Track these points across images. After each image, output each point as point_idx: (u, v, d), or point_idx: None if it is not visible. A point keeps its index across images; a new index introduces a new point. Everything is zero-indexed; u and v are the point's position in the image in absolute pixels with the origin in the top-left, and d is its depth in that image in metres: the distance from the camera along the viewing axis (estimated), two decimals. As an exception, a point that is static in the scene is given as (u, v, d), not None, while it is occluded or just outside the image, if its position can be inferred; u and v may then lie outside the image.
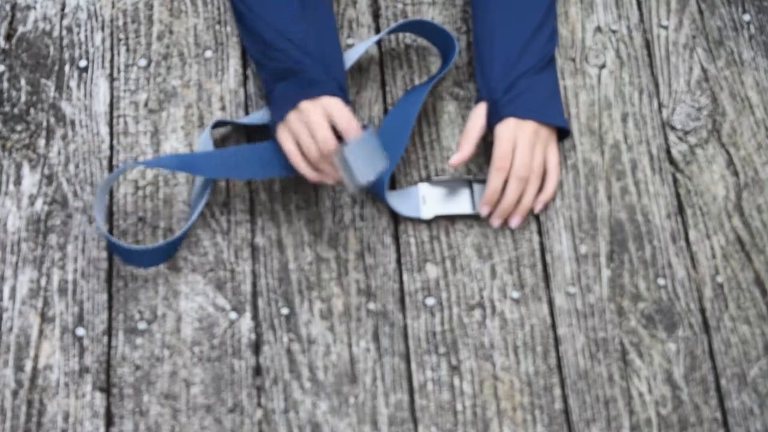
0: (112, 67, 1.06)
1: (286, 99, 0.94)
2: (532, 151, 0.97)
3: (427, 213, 0.99)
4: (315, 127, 0.91)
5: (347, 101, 0.94)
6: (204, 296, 0.96)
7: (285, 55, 0.96)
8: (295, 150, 0.93)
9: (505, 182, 0.97)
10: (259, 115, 1.01)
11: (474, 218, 0.99)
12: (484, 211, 0.98)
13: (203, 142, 1.00)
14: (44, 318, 0.95)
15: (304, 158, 0.93)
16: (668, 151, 1.04)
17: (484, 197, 0.97)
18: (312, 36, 0.97)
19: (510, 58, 0.98)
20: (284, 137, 0.94)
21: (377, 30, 1.08)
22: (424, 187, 1.00)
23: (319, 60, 0.95)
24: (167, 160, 0.95)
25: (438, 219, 0.99)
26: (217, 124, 1.01)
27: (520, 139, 0.96)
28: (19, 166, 1.01)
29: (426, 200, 0.99)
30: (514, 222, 0.98)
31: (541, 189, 0.99)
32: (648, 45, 1.08)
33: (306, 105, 0.92)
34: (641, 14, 1.10)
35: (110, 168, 1.01)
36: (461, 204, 0.99)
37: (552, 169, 0.99)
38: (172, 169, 0.94)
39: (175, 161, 0.94)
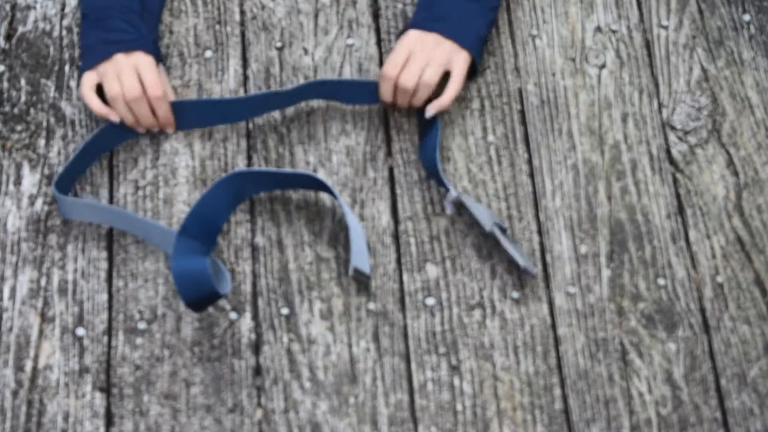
0: (112, 67, 1.06)
1: (99, 49, 0.98)
2: (424, 67, 0.97)
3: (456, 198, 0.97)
4: (125, 77, 0.96)
5: (159, 59, 1.01)
6: (204, 296, 0.96)
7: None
8: (118, 90, 0.96)
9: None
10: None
11: (476, 222, 0.99)
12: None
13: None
14: (44, 318, 0.95)
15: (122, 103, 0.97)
16: (668, 151, 1.04)
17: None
18: None
19: None
20: (88, 83, 0.98)
21: (377, 29, 1.08)
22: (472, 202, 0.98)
23: (135, 11, 1.00)
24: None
25: (438, 219, 0.99)
26: (60, 180, 0.98)
27: (416, 53, 0.97)
28: (19, 166, 1.01)
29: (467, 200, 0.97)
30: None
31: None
32: (648, 45, 1.08)
33: (120, 57, 0.97)
34: (641, 14, 1.10)
35: (110, 168, 1.01)
36: (482, 215, 0.96)
37: (453, 81, 0.99)
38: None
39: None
